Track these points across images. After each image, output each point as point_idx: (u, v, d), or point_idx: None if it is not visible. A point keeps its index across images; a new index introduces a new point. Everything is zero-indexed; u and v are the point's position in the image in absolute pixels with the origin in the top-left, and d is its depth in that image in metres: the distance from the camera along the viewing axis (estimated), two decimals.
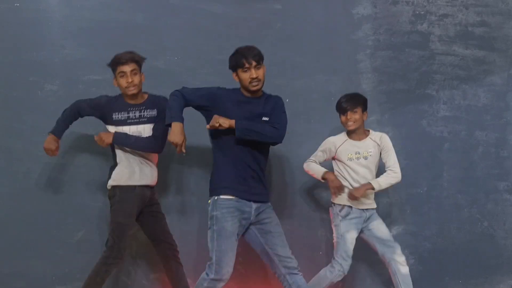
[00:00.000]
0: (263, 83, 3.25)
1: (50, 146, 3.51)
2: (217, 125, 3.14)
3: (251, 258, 3.91)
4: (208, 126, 3.20)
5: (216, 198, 3.20)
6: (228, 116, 3.18)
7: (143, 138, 3.43)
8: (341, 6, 4.08)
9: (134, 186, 3.43)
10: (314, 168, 3.61)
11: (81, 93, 3.90)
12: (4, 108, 3.89)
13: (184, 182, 3.93)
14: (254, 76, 3.19)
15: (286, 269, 3.24)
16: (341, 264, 3.48)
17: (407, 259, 3.95)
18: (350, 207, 3.49)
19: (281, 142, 3.26)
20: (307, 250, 3.95)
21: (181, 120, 3.17)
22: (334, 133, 3.85)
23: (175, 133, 3.13)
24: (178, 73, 3.97)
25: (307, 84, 4.00)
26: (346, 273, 3.50)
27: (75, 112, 3.58)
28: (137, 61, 3.42)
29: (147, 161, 3.49)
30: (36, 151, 3.87)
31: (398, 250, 3.49)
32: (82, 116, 3.61)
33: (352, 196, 3.44)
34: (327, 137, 3.76)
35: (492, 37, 4.11)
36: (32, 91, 3.90)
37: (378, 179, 3.48)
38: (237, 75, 3.25)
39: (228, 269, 3.15)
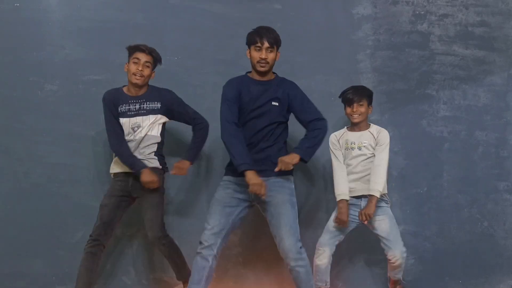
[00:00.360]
0: (272, 67, 3.35)
1: (152, 177, 3.37)
2: (283, 168, 3.19)
3: (251, 258, 3.92)
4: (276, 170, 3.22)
5: (223, 177, 3.38)
6: (240, 100, 3.29)
7: (201, 139, 3.56)
8: (341, 6, 4.08)
9: (117, 173, 3.50)
10: (337, 181, 3.54)
11: (81, 93, 3.91)
12: (4, 108, 3.89)
13: (183, 181, 3.93)
14: (263, 57, 3.28)
15: (282, 255, 3.21)
16: (319, 240, 3.54)
17: (407, 259, 3.96)
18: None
19: None
20: (307, 250, 3.94)
21: (252, 166, 3.17)
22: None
23: (253, 181, 3.13)
24: (178, 73, 3.97)
25: (307, 84, 3.99)
26: (323, 247, 3.49)
27: (116, 132, 3.48)
28: (155, 57, 3.49)
29: (141, 149, 3.47)
30: (36, 151, 3.88)
31: (391, 251, 3.45)
32: (122, 130, 3.50)
33: (364, 217, 3.40)
34: (327, 137, 3.75)
35: (492, 37, 4.11)
36: (32, 91, 3.90)
37: (374, 186, 3.42)
38: (249, 54, 3.35)
39: (206, 232, 3.20)
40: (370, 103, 3.57)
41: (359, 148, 3.53)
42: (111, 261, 3.87)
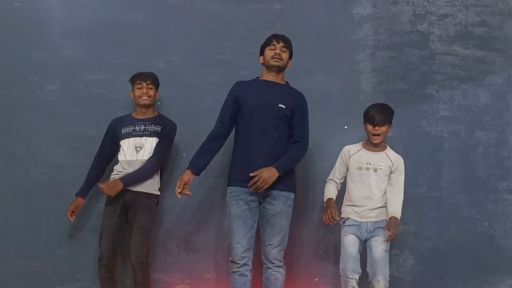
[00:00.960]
0: (284, 65, 3.43)
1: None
2: (260, 185, 3.24)
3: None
4: (252, 190, 3.28)
5: (228, 187, 3.39)
6: (246, 102, 3.36)
7: (145, 167, 3.55)
8: (341, 6, 4.08)
9: None
10: (326, 189, 3.59)
11: (81, 93, 3.91)
12: (4, 108, 3.89)
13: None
14: (278, 51, 3.38)
15: (265, 259, 3.31)
16: (342, 268, 3.44)
17: (407, 259, 3.97)
18: (348, 218, 3.51)
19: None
20: (307, 250, 3.95)
21: (194, 169, 3.34)
22: (334, 133, 3.86)
23: (181, 177, 3.32)
24: (178, 73, 3.97)
25: (307, 84, 4.00)
26: (353, 275, 3.38)
27: (100, 159, 3.68)
28: (155, 80, 3.65)
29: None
30: (36, 151, 3.88)
31: (376, 276, 3.38)
32: (110, 159, 3.69)
33: (390, 238, 3.38)
34: (327, 137, 3.77)
35: (492, 37, 4.11)
36: (32, 91, 3.90)
37: (396, 209, 3.43)
38: (263, 56, 3.43)
39: (237, 251, 3.24)
40: (391, 122, 3.54)
41: (375, 170, 3.49)
42: None
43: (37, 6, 3.94)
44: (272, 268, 3.27)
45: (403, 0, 4.10)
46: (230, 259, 3.30)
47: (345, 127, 3.88)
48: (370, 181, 3.48)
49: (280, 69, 3.43)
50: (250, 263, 3.27)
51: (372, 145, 3.53)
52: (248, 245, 3.25)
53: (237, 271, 3.24)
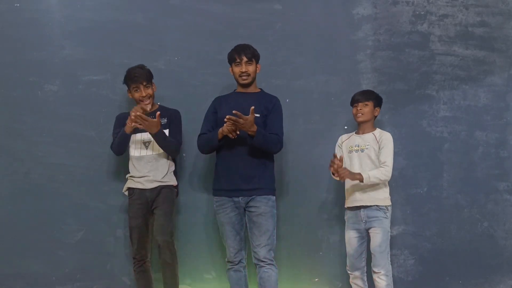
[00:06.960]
0: (254, 78, 3.50)
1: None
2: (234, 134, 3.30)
3: (250, 259, 3.92)
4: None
5: (214, 197, 3.52)
6: (224, 114, 3.32)
7: (170, 140, 3.54)
8: (341, 6, 4.08)
9: (133, 190, 3.59)
10: None
11: (81, 93, 3.91)
12: (4, 108, 3.89)
13: (183, 182, 3.93)
14: (243, 70, 3.45)
15: (256, 260, 3.41)
16: (347, 264, 3.59)
17: (407, 259, 3.98)
18: (345, 209, 3.59)
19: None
20: (307, 250, 3.95)
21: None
22: (334, 133, 3.85)
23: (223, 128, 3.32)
24: (178, 73, 3.97)
25: (307, 84, 4.01)
26: (350, 270, 3.57)
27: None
28: (149, 76, 3.58)
29: (161, 167, 3.58)
30: (36, 151, 3.88)
31: (376, 268, 3.46)
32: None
33: (337, 173, 3.39)
34: (326, 138, 3.78)
35: (492, 37, 4.11)
36: (32, 91, 3.90)
37: (369, 171, 3.44)
38: (232, 71, 3.52)
39: (230, 254, 3.46)
40: (377, 105, 3.59)
41: (362, 150, 3.53)
42: (111, 261, 3.87)
43: (37, 6, 3.94)
44: (264, 266, 3.37)
45: (403, 0, 4.10)
46: (226, 259, 3.51)
47: (345, 127, 3.88)
48: (359, 162, 3.52)
49: (250, 83, 3.49)
50: (243, 261, 3.50)
51: (360, 127, 3.59)
52: (239, 247, 3.46)
53: (231, 268, 3.48)
